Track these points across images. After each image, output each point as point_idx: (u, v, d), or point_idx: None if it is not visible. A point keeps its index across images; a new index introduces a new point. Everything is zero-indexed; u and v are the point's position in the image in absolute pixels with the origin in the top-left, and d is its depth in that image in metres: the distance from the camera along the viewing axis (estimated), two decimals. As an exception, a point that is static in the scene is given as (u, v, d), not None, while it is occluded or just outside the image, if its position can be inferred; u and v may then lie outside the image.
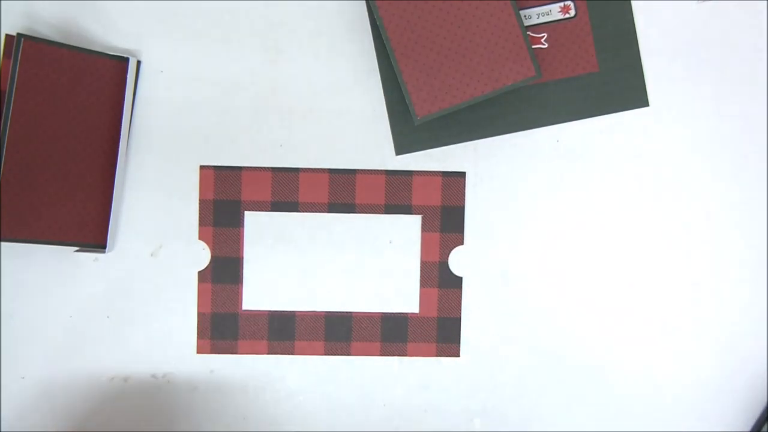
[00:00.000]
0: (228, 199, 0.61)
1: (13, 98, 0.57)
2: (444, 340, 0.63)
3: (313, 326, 0.62)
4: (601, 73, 0.62)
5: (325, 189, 0.62)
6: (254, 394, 0.62)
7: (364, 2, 0.61)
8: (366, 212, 0.62)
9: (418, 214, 0.62)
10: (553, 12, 0.61)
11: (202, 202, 0.61)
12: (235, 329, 0.62)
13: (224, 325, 0.62)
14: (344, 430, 0.63)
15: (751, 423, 0.63)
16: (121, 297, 0.61)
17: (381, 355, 0.62)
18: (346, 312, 0.62)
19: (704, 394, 0.63)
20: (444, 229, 0.62)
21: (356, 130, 0.62)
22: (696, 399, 0.63)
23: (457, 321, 0.62)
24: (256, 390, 0.62)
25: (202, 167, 0.61)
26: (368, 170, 0.62)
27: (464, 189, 0.62)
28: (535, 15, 0.61)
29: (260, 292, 0.62)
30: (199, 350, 0.62)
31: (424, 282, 0.62)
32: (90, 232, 0.60)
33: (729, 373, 0.63)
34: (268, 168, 0.62)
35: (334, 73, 0.62)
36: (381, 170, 0.62)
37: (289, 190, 0.62)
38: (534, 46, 0.61)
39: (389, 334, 0.62)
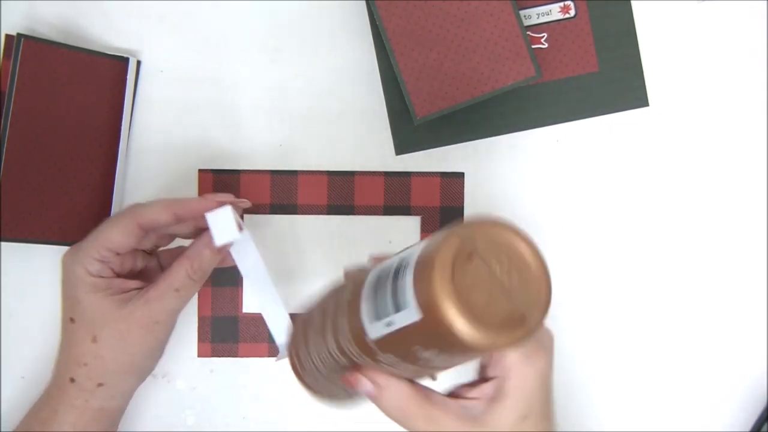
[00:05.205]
0: (228, 200, 0.61)
1: (13, 98, 0.57)
2: (444, 341, 0.63)
3: (313, 327, 0.62)
4: (601, 73, 0.62)
5: (324, 191, 0.62)
6: (254, 394, 0.62)
7: (364, 2, 0.61)
8: (365, 213, 0.62)
9: (417, 215, 0.62)
10: (553, 12, 0.61)
11: (202, 203, 0.61)
12: (236, 332, 0.62)
13: (225, 328, 0.62)
14: (344, 430, 0.63)
15: (751, 423, 0.63)
16: (121, 297, 0.61)
17: (381, 355, 0.62)
18: (346, 312, 0.62)
19: (704, 394, 0.63)
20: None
21: (356, 131, 0.62)
22: (696, 399, 0.63)
23: (456, 321, 0.62)
24: (256, 390, 0.62)
25: (200, 171, 0.61)
26: (367, 172, 0.62)
27: (463, 189, 0.62)
28: (535, 15, 0.61)
29: (260, 292, 0.62)
30: (200, 353, 0.62)
31: (424, 282, 0.62)
32: (90, 232, 0.60)
33: (729, 373, 0.63)
34: (266, 171, 0.62)
35: (334, 73, 0.62)
36: (380, 172, 0.62)
37: (288, 192, 0.62)
38: (534, 46, 0.61)
39: (389, 335, 0.62)
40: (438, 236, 0.38)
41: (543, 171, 0.63)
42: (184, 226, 0.54)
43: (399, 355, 0.42)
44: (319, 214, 0.62)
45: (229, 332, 0.62)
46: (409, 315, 0.38)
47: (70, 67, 0.58)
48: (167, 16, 0.61)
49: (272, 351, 0.62)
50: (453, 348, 0.39)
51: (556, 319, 0.63)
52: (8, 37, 0.59)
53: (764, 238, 0.63)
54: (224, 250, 0.53)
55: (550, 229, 0.63)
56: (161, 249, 0.57)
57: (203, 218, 0.52)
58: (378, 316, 0.40)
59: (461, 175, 0.62)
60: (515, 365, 0.45)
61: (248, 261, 0.55)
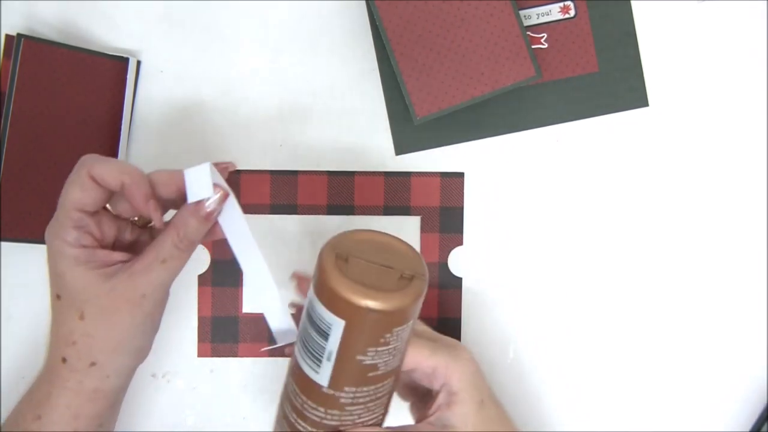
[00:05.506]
0: (228, 200, 0.61)
1: (13, 98, 0.57)
2: (444, 341, 0.63)
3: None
4: (601, 73, 0.62)
5: (324, 191, 0.62)
6: (254, 394, 0.62)
7: (364, 3, 0.61)
8: (365, 214, 0.62)
9: (417, 215, 0.62)
10: (553, 12, 0.61)
11: (202, 203, 0.61)
12: (236, 332, 0.62)
13: (225, 328, 0.62)
14: (344, 430, 0.63)
15: (751, 423, 0.63)
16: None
17: (381, 355, 0.62)
18: (346, 312, 0.62)
19: (704, 394, 0.63)
20: (443, 229, 0.62)
21: (356, 131, 0.62)
22: (696, 399, 0.63)
23: (457, 321, 0.62)
24: (256, 390, 0.62)
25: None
26: (367, 172, 0.62)
27: (463, 189, 0.62)
28: (535, 15, 0.61)
29: (260, 292, 0.62)
30: (200, 353, 0.62)
31: (424, 282, 0.62)
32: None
33: (729, 373, 0.63)
34: (266, 171, 0.62)
35: (334, 73, 0.62)
36: (379, 172, 0.62)
37: (288, 192, 0.62)
38: (534, 46, 0.61)
39: (389, 335, 0.62)
40: (316, 264, 0.46)
41: (543, 171, 0.63)
42: (170, 190, 0.51)
43: (353, 382, 0.46)
44: (319, 214, 0.62)
45: (229, 332, 0.62)
46: (336, 330, 0.45)
47: (70, 67, 0.59)
48: (167, 16, 0.61)
49: (273, 351, 0.62)
50: (381, 329, 0.45)
51: (557, 319, 0.63)
52: (8, 37, 0.59)
53: (764, 238, 0.63)
54: (210, 219, 0.50)
55: (549, 229, 0.63)
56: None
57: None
58: (316, 358, 0.46)
59: (461, 175, 0.62)
60: (448, 366, 0.50)
61: (235, 231, 0.52)
